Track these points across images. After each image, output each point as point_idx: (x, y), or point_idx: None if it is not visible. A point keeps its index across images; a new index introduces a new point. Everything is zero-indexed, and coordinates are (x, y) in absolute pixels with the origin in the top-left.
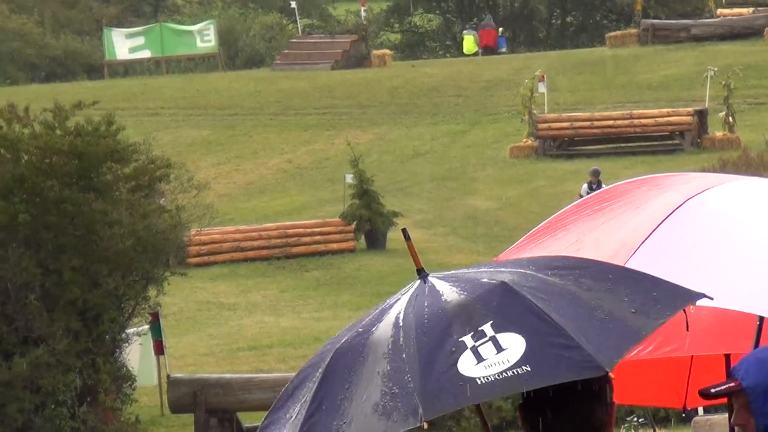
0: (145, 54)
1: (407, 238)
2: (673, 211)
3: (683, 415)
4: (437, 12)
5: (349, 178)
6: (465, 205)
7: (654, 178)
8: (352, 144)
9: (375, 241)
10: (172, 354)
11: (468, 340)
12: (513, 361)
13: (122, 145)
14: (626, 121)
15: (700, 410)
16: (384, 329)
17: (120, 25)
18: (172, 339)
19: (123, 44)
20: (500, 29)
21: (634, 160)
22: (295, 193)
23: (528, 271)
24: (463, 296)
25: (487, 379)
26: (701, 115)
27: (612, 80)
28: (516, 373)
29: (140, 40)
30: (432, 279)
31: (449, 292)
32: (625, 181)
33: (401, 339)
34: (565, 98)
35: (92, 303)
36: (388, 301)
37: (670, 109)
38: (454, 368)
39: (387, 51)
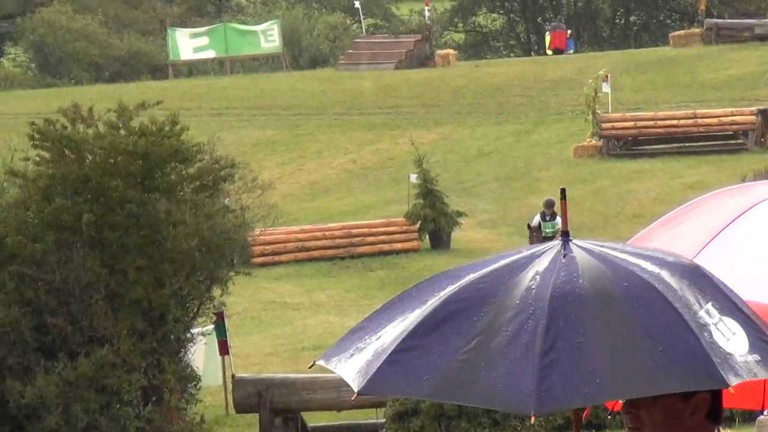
0: (209, 54)
1: (563, 197)
2: (742, 213)
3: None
4: (501, 11)
5: (414, 178)
6: (529, 204)
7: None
8: (416, 144)
9: (439, 240)
10: (236, 354)
11: (705, 316)
12: (746, 347)
13: (186, 145)
14: (690, 121)
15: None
16: (598, 283)
17: (184, 25)
18: (237, 339)
19: (187, 44)
20: (568, 31)
21: (697, 160)
22: (359, 193)
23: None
24: (667, 271)
25: (741, 358)
26: (765, 114)
27: (675, 80)
28: (755, 359)
29: (204, 41)
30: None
31: (646, 264)
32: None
33: (637, 296)
34: (629, 98)
35: (157, 303)
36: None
37: (733, 109)
38: (714, 340)
39: (451, 51)
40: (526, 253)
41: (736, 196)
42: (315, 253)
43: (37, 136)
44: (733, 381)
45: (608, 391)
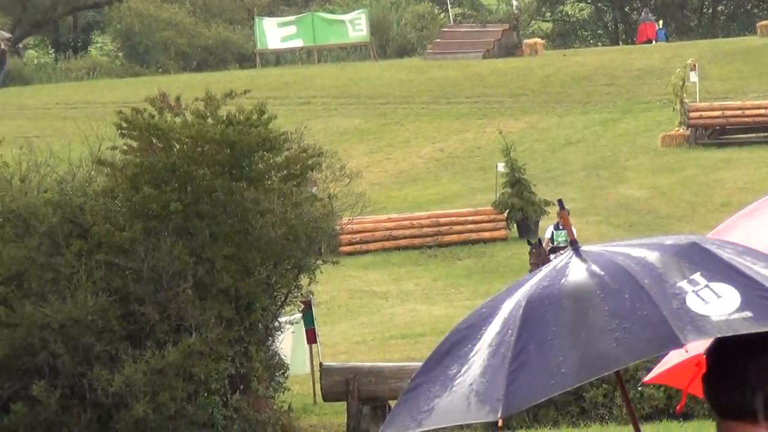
0: (297, 43)
1: (562, 207)
2: None
3: None
4: (588, 1)
5: (501, 167)
6: (617, 193)
7: None
8: (503, 133)
9: (527, 229)
10: (324, 342)
11: (685, 285)
12: (735, 306)
13: (274, 134)
14: None
15: None
16: (577, 280)
17: (272, 14)
18: (325, 327)
19: (275, 33)
20: (660, 22)
21: None
22: (446, 182)
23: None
24: (656, 253)
25: (720, 317)
26: None
27: (763, 69)
28: (742, 316)
29: (292, 30)
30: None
31: (637, 251)
32: None
33: (610, 283)
34: (716, 87)
35: (244, 291)
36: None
37: None
38: (686, 306)
39: (538, 40)
40: (534, 271)
41: None
42: (402, 242)
43: (124, 125)
44: (691, 339)
45: (572, 377)
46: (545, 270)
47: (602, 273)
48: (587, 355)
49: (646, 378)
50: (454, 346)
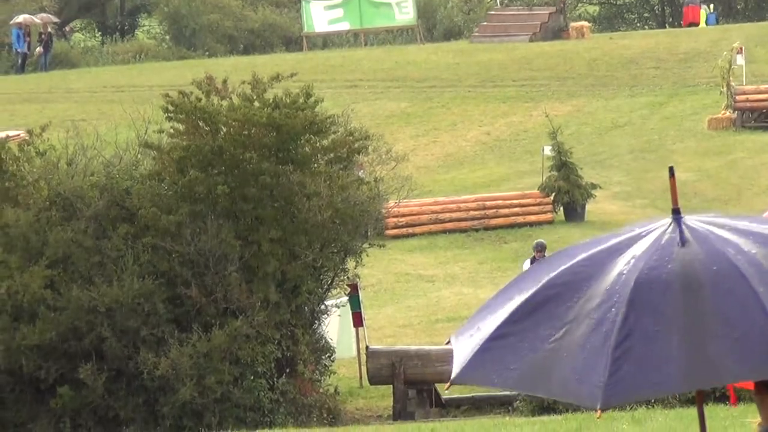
0: (344, 26)
1: (672, 174)
2: None
3: None
4: None
5: (548, 150)
6: (663, 177)
7: None
8: (550, 116)
9: (573, 213)
10: (370, 326)
11: None
12: None
13: (320, 117)
14: None
15: None
16: (687, 268)
17: None
18: (371, 311)
19: (321, 16)
20: (711, 6)
21: None
22: (493, 165)
23: None
24: (762, 248)
25: None
26: None
27: None
28: None
29: (339, 13)
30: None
31: (747, 243)
32: None
33: (721, 283)
34: (763, 70)
35: (291, 275)
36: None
37: None
38: None
39: (585, 23)
40: (633, 233)
41: None
42: (449, 225)
43: (171, 108)
44: None
45: (678, 381)
46: (648, 238)
47: (714, 268)
48: (695, 360)
49: None
50: (547, 302)
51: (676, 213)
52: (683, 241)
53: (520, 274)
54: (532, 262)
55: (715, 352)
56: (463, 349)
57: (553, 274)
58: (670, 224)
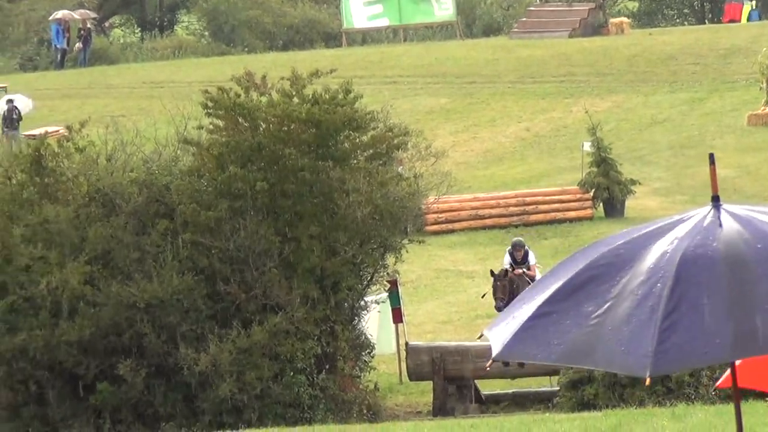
0: (383, 22)
1: (712, 161)
2: None
3: None
4: None
5: (587, 146)
6: (703, 173)
7: None
8: (590, 112)
9: (613, 208)
10: (410, 321)
11: None
12: None
13: (360, 113)
14: None
15: None
16: (732, 246)
17: None
18: (411, 307)
19: (361, 12)
20: (752, 3)
21: None
22: (532, 161)
23: None
24: None
25: None
26: None
27: None
28: None
29: (378, 9)
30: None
31: None
32: None
33: (766, 260)
34: None
35: (330, 271)
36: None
37: None
38: None
39: (624, 19)
40: (673, 219)
41: None
42: (488, 221)
43: (210, 104)
44: None
45: (726, 351)
46: (689, 222)
47: (759, 246)
48: (742, 330)
49: (719, 383)
50: (589, 282)
51: (716, 200)
52: (724, 224)
53: (557, 265)
54: (513, 261)
55: (762, 322)
56: (500, 334)
57: (593, 257)
58: (710, 210)
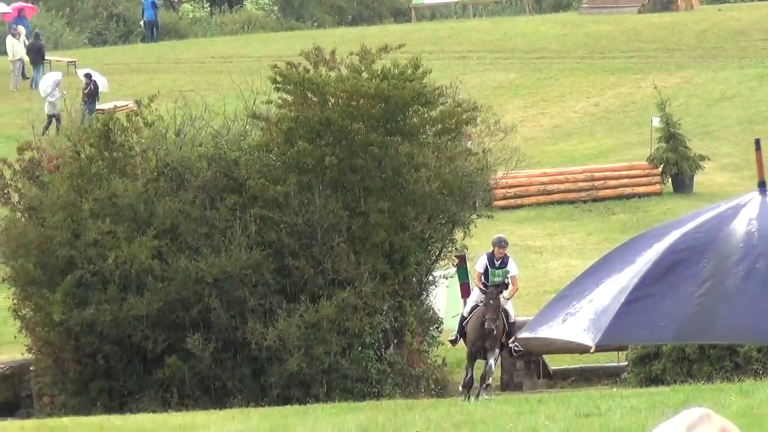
0: None
1: (758, 148)
2: None
3: None
4: None
5: (656, 122)
6: None
7: None
8: (658, 87)
9: (682, 184)
10: None
11: None
12: None
13: (429, 88)
14: None
15: None
16: None
17: None
18: None
19: None
20: None
21: None
22: (601, 137)
23: None
24: None
25: None
26: None
27: None
28: None
29: None
30: None
31: None
32: None
33: None
34: None
35: (398, 245)
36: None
37: None
38: None
39: None
40: (728, 205)
41: None
42: (557, 197)
43: (279, 79)
44: None
45: None
46: (752, 203)
47: None
48: None
49: None
50: (676, 265)
51: (762, 186)
52: None
53: (600, 261)
54: (488, 260)
55: None
56: (578, 325)
57: (672, 242)
58: (761, 194)
